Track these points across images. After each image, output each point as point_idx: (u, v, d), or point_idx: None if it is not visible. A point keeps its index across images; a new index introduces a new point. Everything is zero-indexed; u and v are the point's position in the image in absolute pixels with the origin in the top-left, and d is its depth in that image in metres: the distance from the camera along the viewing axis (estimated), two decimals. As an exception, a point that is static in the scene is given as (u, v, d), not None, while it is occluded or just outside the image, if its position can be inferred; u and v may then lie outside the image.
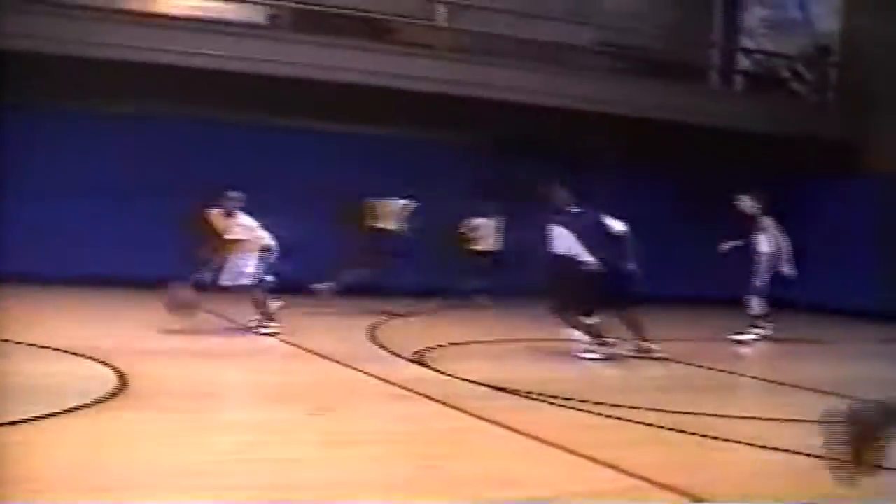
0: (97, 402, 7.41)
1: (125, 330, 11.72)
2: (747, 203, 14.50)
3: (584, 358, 11.05)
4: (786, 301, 15.42)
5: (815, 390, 9.98)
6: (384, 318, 14.18)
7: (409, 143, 17.75)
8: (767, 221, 14.55)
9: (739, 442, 7.30)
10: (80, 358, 9.25)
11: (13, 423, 6.46)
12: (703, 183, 19.23)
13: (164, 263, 12.14)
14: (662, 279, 17.18)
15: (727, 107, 19.51)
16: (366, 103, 16.73)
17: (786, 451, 7.06)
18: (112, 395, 7.70)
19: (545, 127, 17.66)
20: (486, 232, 17.80)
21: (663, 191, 19.09)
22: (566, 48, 18.86)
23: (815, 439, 7.39)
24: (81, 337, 10.47)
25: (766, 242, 14.49)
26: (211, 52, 15.63)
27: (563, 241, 11.10)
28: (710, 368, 11.27)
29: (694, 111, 18.65)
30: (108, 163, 16.15)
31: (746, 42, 22.05)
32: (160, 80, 15.32)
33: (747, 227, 14.51)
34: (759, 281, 14.44)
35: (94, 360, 9.11)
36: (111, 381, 8.17)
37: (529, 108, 17.20)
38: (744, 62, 22.02)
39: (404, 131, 17.92)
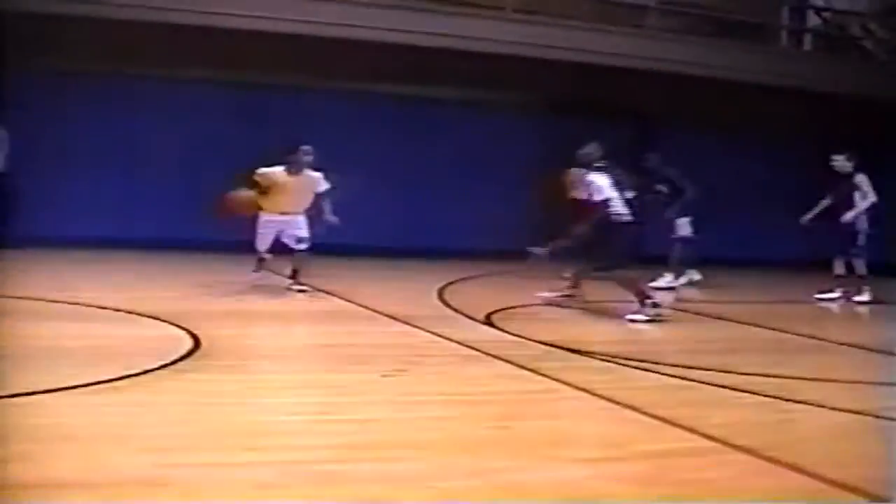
0: (172, 363, 7.49)
1: (188, 291, 11.85)
2: (841, 162, 14.44)
3: (635, 320, 11.01)
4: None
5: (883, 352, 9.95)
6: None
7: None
8: (861, 178, 14.54)
9: (811, 404, 7.26)
10: (149, 319, 9.34)
11: (88, 384, 6.56)
12: (774, 145, 19.14)
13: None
14: (732, 243, 17.25)
15: (797, 67, 19.22)
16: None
17: (861, 413, 7.02)
18: (186, 357, 7.78)
19: (615, 89, 17.54)
20: None
21: (734, 154, 18.93)
22: (633, 8, 18.64)
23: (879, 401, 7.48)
24: (144, 298, 10.57)
25: (862, 201, 14.51)
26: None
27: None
28: (783, 331, 11.18)
29: (763, 71, 18.40)
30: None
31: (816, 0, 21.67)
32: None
33: (835, 187, 14.53)
34: (861, 241, 14.50)
35: (166, 321, 9.21)
36: (185, 342, 8.26)
37: (599, 69, 17.05)
38: (814, 21, 21.65)
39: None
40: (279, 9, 15.23)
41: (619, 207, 11.04)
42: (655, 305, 11.02)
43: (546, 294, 11.99)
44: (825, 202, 14.75)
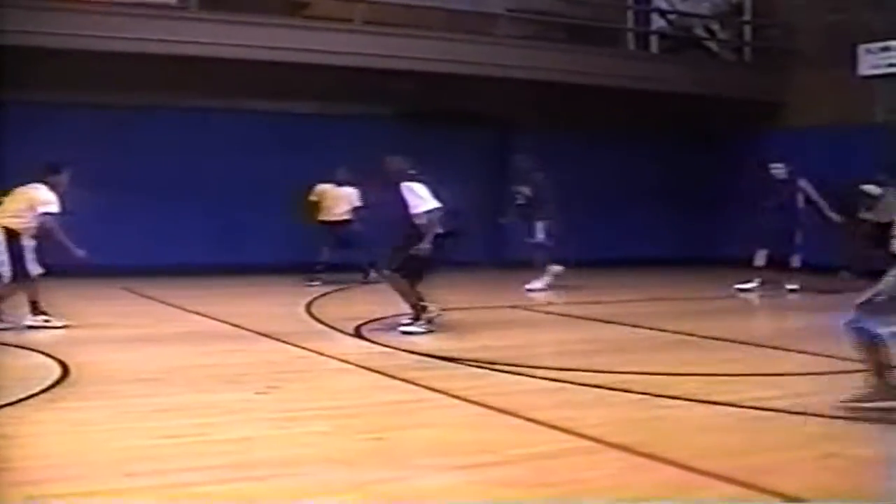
0: (40, 392, 7.36)
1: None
2: (779, 169, 15.84)
3: (409, 332, 10.73)
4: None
5: (759, 345, 10.24)
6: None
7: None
8: (804, 182, 15.83)
9: (685, 399, 7.44)
10: (17, 349, 9.17)
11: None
12: (627, 145, 19.50)
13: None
14: (594, 244, 17.52)
15: (645, 69, 19.60)
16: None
17: (732, 405, 7.24)
18: (54, 385, 7.65)
19: (472, 96, 17.70)
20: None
21: (587, 156, 19.20)
22: (481, 16, 18.78)
23: (759, 392, 7.69)
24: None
25: (802, 201, 15.78)
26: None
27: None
28: (653, 328, 11.44)
29: (611, 74, 18.72)
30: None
31: (660, 3, 22.09)
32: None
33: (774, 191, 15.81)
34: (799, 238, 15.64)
35: (33, 350, 9.04)
36: (53, 371, 8.12)
37: (453, 77, 17.17)
38: (659, 23, 22.09)
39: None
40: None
41: (435, 216, 10.79)
42: (430, 321, 10.80)
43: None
44: (768, 204, 15.80)
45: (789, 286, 15.46)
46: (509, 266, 16.74)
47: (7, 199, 10.79)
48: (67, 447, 6.04)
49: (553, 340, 10.78)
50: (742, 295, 15.20)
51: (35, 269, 10.59)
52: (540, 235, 15.36)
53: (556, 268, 15.33)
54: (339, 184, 16.48)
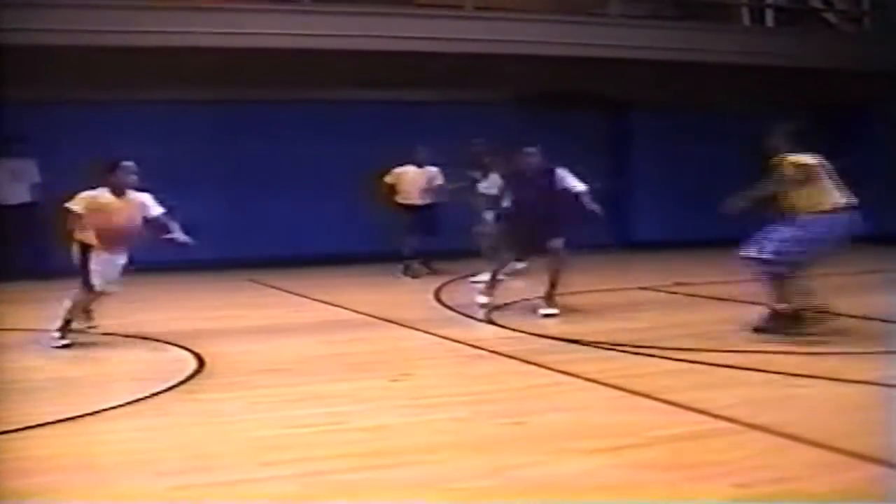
0: (177, 384, 7.52)
1: (188, 312, 11.80)
2: None
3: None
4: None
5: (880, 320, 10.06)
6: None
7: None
8: None
9: (822, 377, 7.34)
10: (154, 342, 9.35)
11: (95, 412, 6.58)
12: (746, 123, 19.22)
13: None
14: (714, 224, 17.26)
15: (760, 43, 19.30)
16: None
17: (870, 383, 7.14)
18: (191, 377, 7.80)
19: (586, 79, 17.61)
20: None
21: (705, 134, 19.00)
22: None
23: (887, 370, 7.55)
24: (148, 321, 10.54)
25: None
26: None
27: None
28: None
29: (726, 50, 18.48)
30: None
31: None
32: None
33: None
34: None
35: (169, 343, 9.21)
36: (189, 363, 8.27)
37: (560, 60, 17.09)
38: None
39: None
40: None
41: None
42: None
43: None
44: None
45: None
46: (634, 248, 16.64)
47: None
48: (205, 438, 6.16)
49: (682, 321, 10.63)
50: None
51: (99, 282, 9.45)
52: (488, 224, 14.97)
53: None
54: (420, 164, 15.83)
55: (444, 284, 13.66)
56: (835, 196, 9.46)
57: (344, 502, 4.85)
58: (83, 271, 9.41)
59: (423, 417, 6.59)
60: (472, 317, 10.65)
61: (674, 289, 12.50)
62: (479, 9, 16.93)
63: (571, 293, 11.07)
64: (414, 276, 15.06)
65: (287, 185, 17.13)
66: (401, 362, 8.44)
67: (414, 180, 15.73)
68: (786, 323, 9.27)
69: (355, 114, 17.57)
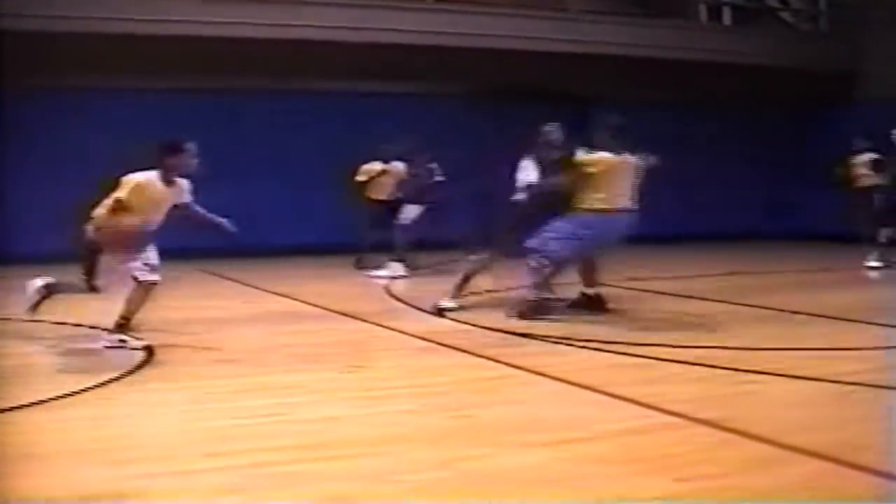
0: (126, 374, 7.46)
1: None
2: None
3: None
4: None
5: (831, 317, 10.18)
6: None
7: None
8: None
9: (771, 373, 7.40)
10: (104, 332, 9.25)
11: (41, 402, 6.53)
12: (704, 118, 19.36)
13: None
14: (668, 218, 17.36)
15: (717, 41, 19.44)
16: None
17: (818, 379, 7.19)
18: (139, 368, 7.74)
19: (547, 73, 17.65)
20: None
21: (663, 130, 19.04)
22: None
23: (846, 366, 7.63)
24: (99, 312, 10.43)
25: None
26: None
27: None
28: (730, 303, 11.37)
29: (684, 47, 18.60)
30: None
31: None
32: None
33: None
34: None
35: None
36: (138, 354, 8.21)
37: (521, 55, 17.13)
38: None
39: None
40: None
41: None
42: None
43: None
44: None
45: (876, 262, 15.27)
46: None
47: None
48: (151, 428, 6.13)
49: (632, 316, 10.71)
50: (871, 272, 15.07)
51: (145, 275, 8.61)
52: (407, 217, 15.11)
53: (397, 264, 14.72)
54: (387, 160, 15.51)
55: (392, 278, 13.67)
56: (615, 198, 10.06)
57: (285, 497, 4.84)
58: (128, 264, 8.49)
59: (372, 409, 6.58)
60: (423, 310, 10.65)
61: (626, 284, 12.54)
62: (440, 1, 16.95)
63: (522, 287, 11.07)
64: (362, 268, 14.97)
65: (245, 176, 17.03)
66: (351, 354, 8.43)
67: (382, 176, 15.55)
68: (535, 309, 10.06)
69: (317, 104, 17.50)
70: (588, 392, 6.90)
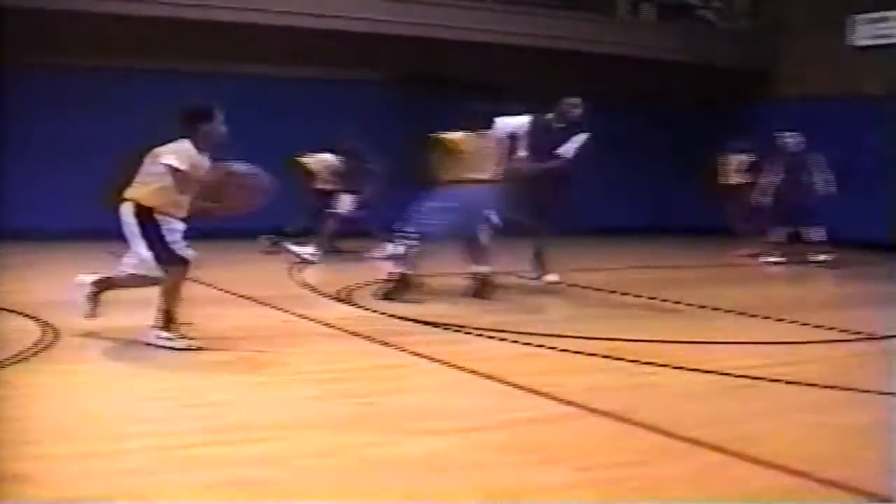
0: (28, 357, 7.33)
1: (46, 283, 11.52)
2: (793, 140, 15.82)
3: None
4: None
5: (748, 314, 10.34)
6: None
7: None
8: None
9: (672, 366, 7.48)
10: (8, 313, 9.10)
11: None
12: (621, 113, 19.45)
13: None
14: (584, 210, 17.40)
15: (637, 36, 19.57)
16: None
17: (718, 373, 7.31)
18: (43, 350, 7.61)
19: (462, 62, 17.65)
20: None
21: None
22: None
23: (746, 360, 7.73)
24: (3, 292, 10.28)
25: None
26: None
27: None
28: (637, 295, 11.46)
29: (603, 41, 18.69)
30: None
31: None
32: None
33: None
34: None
35: (23, 314, 8.96)
36: (43, 335, 8.07)
37: (440, 43, 17.13)
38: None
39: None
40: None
41: None
42: None
43: None
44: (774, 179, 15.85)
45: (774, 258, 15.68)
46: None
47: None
48: (54, 411, 6.01)
49: (537, 307, 10.79)
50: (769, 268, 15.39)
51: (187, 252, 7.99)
52: (344, 208, 15.12)
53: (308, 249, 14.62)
54: (333, 151, 15.44)
55: (300, 263, 13.57)
56: (472, 170, 10.50)
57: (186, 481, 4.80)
58: (160, 246, 7.78)
59: (274, 394, 6.59)
60: (328, 296, 10.59)
61: (534, 275, 12.61)
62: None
63: (431, 276, 11.08)
64: (274, 245, 14.91)
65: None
66: (255, 339, 8.36)
67: (320, 165, 15.48)
68: (398, 289, 10.42)
69: (231, 88, 17.30)
70: (490, 381, 6.93)
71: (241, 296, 10.64)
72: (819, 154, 15.60)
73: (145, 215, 7.74)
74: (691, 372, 7.34)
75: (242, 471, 4.92)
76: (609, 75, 18.67)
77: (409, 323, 9.15)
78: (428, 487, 4.81)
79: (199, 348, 7.71)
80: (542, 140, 11.52)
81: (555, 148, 11.51)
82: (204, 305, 10.13)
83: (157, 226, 7.75)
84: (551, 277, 11.73)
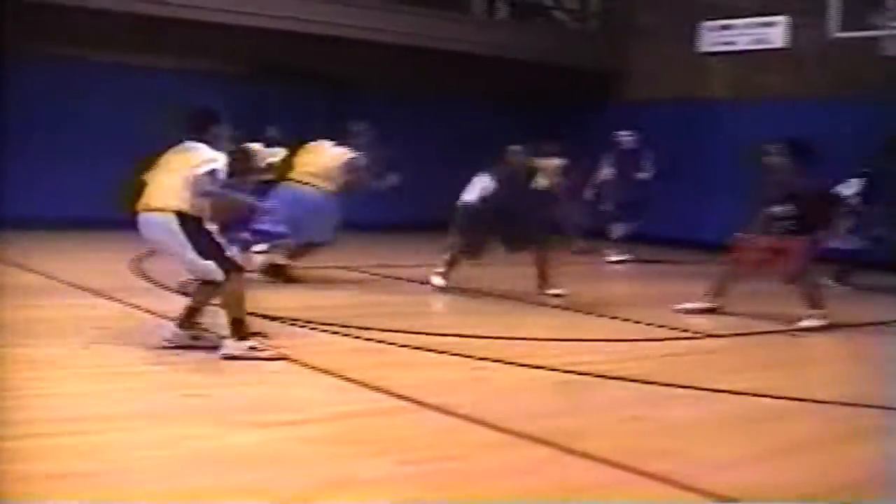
0: None
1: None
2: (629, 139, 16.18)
3: None
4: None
5: (581, 312, 10.55)
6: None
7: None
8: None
9: (505, 361, 7.63)
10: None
11: None
12: (470, 112, 19.58)
13: None
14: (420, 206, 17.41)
15: (489, 35, 19.71)
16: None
17: (550, 368, 7.47)
18: None
19: (312, 55, 17.61)
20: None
21: (429, 119, 19.23)
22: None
23: (577, 356, 7.90)
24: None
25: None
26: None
27: None
28: (477, 290, 11.55)
29: (454, 39, 18.78)
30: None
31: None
32: None
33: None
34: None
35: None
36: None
37: (295, 36, 17.06)
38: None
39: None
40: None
41: None
42: None
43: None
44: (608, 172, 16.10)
45: (617, 257, 15.96)
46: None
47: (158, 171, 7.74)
48: None
49: (378, 301, 10.85)
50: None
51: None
52: None
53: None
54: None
55: (146, 254, 13.37)
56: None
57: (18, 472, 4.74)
58: (216, 253, 7.45)
59: (106, 386, 6.55)
60: (168, 288, 10.48)
61: (375, 270, 12.68)
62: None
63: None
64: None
65: (20, 147, 16.35)
66: (88, 331, 8.19)
67: None
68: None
69: (87, 75, 16.99)
70: (324, 375, 6.98)
71: (79, 286, 10.47)
72: (650, 151, 16.01)
73: (193, 225, 7.41)
74: (522, 368, 7.49)
75: (72, 463, 4.91)
76: (463, 74, 18.83)
77: (252, 317, 9.08)
78: (251, 480, 4.84)
79: (285, 358, 7.43)
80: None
81: None
82: (45, 295, 10.01)
83: (208, 234, 7.48)
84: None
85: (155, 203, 7.50)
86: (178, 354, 7.46)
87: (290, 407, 6.18)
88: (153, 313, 9.00)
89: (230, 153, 7.89)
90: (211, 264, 7.37)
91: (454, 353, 7.83)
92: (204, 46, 17.01)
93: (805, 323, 9.96)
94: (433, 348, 7.96)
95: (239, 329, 7.44)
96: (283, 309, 9.33)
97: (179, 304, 8.68)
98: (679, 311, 10.49)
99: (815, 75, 17.45)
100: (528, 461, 5.36)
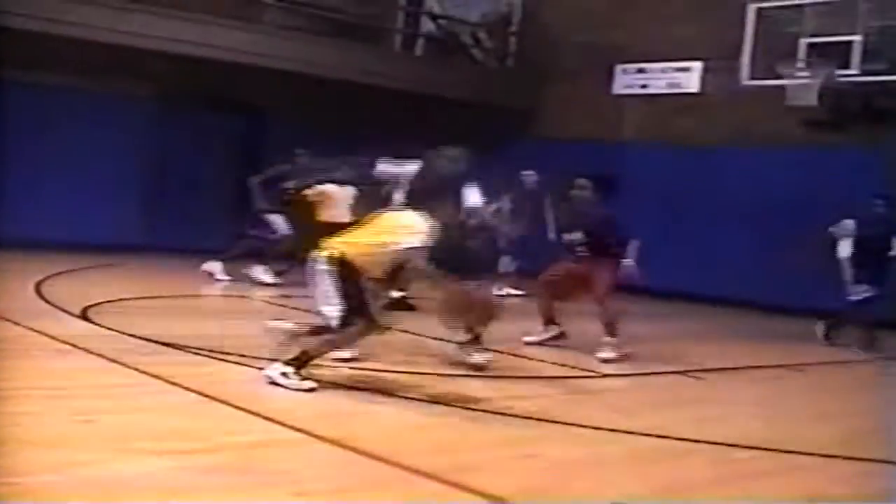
0: None
1: None
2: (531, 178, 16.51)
3: None
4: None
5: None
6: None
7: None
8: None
9: (399, 395, 7.68)
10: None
11: None
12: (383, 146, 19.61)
13: None
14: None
15: (406, 70, 19.82)
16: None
17: (445, 403, 7.58)
18: None
19: (231, 83, 17.58)
20: None
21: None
22: (252, 4, 18.68)
23: (473, 392, 7.92)
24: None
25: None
26: None
27: None
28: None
29: (371, 72, 18.86)
30: None
31: (432, 6, 22.38)
32: None
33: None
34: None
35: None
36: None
37: (213, 63, 17.01)
38: (428, 26, 22.39)
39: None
40: None
41: None
42: None
43: None
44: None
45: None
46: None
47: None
48: None
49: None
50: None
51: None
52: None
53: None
54: None
55: (47, 278, 13.17)
56: None
57: None
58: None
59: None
60: (66, 311, 10.33)
61: (281, 301, 12.62)
62: (135, 1, 16.57)
63: (171, 297, 10.96)
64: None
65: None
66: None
67: None
68: None
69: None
70: (219, 404, 6.90)
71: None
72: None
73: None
74: (418, 402, 7.51)
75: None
76: (379, 108, 18.88)
77: (147, 343, 8.99)
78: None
79: (312, 389, 7.50)
80: None
81: None
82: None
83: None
84: None
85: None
86: (70, 380, 7.37)
87: (184, 435, 6.10)
88: (50, 336, 8.88)
89: None
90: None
91: (352, 385, 7.84)
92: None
93: (602, 355, 10.30)
94: (328, 380, 7.87)
95: (301, 362, 7.65)
96: (186, 337, 9.22)
97: (77, 327, 8.60)
98: (530, 343, 10.84)
99: (724, 122, 17.77)
100: (418, 496, 5.35)
